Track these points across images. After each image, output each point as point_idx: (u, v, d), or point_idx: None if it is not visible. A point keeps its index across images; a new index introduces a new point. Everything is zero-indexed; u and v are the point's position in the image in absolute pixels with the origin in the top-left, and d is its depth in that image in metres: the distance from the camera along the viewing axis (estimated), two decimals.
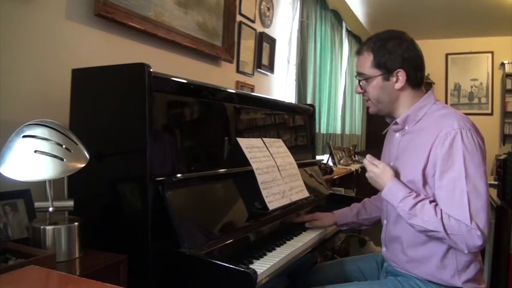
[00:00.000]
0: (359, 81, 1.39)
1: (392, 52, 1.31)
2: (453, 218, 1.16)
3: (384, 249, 1.46)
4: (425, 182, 1.25)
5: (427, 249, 1.28)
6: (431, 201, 1.21)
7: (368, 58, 1.34)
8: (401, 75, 1.31)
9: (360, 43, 5.64)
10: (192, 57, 2.22)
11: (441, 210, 1.18)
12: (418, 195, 1.23)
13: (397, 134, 1.41)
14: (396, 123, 1.38)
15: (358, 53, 1.39)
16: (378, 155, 1.40)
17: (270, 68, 3.18)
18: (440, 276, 1.27)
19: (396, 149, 1.39)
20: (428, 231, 1.19)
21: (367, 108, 1.43)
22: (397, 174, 1.31)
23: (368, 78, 1.35)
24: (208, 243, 1.19)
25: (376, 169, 1.31)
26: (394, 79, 1.32)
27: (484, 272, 1.37)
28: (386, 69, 1.32)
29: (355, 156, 4.86)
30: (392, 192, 1.26)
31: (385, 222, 1.43)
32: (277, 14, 3.28)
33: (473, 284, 1.27)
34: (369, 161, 1.33)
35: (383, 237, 1.46)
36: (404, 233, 1.32)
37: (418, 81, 1.35)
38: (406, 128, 1.36)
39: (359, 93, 1.41)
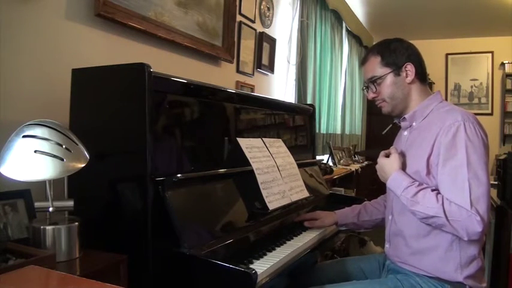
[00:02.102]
0: (369, 86, 1.44)
1: (397, 50, 1.40)
2: (454, 203, 1.19)
3: (387, 245, 1.47)
4: (428, 172, 1.28)
5: (431, 241, 1.29)
6: (433, 190, 1.24)
7: (376, 60, 1.41)
8: (410, 68, 1.38)
9: (360, 43, 5.65)
10: (192, 57, 2.22)
11: (442, 196, 1.21)
12: (420, 184, 1.27)
13: (405, 132, 1.45)
14: (404, 119, 1.43)
15: (364, 61, 1.47)
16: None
17: (270, 68, 3.18)
18: (443, 269, 1.28)
19: (404, 146, 1.42)
20: (429, 217, 1.21)
21: (380, 108, 1.46)
22: (403, 167, 1.35)
23: (380, 78, 1.40)
24: (208, 243, 1.19)
25: (384, 159, 1.36)
26: (404, 74, 1.39)
27: (485, 272, 1.37)
28: (396, 66, 1.39)
29: (355, 156, 4.87)
30: (396, 181, 1.30)
31: (390, 217, 1.45)
32: (277, 14, 3.28)
33: (474, 281, 1.28)
34: (385, 152, 1.38)
35: (387, 234, 1.47)
36: (409, 225, 1.34)
37: (424, 76, 1.43)
38: (414, 124, 1.42)
39: (372, 98, 1.45)
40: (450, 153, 1.23)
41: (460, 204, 1.18)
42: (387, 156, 1.37)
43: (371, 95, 1.44)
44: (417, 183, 1.26)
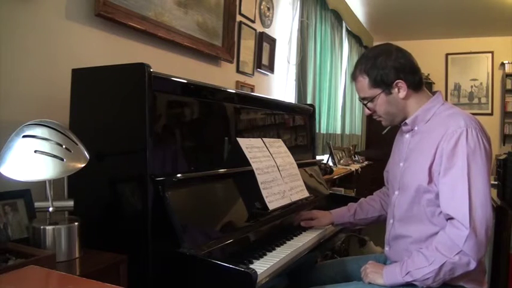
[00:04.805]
0: (365, 104, 1.41)
1: (384, 67, 1.32)
2: (439, 245, 1.19)
3: (386, 248, 1.46)
4: (430, 180, 1.26)
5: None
6: (418, 251, 1.24)
7: (364, 81, 1.36)
8: (402, 84, 1.33)
9: (360, 43, 5.65)
10: (192, 57, 2.22)
11: (425, 247, 1.22)
12: (403, 261, 1.26)
13: (407, 135, 1.42)
14: (406, 124, 1.40)
15: (353, 78, 1.41)
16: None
17: (270, 68, 3.18)
18: None
19: (406, 149, 1.40)
20: (440, 269, 1.18)
21: (380, 122, 1.44)
22: (406, 175, 1.35)
23: (372, 99, 1.37)
24: (208, 243, 1.19)
25: (370, 267, 1.34)
26: (396, 90, 1.34)
27: (485, 275, 1.36)
28: (385, 85, 1.34)
29: (355, 156, 4.86)
30: (390, 273, 1.28)
31: (391, 221, 1.44)
32: (277, 14, 3.28)
33: (475, 284, 1.27)
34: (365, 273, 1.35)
35: (387, 237, 1.46)
36: (409, 230, 1.33)
37: (418, 84, 1.36)
38: (416, 128, 1.38)
39: (369, 115, 1.43)
40: (451, 162, 1.21)
41: (455, 216, 1.18)
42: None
43: (367, 112, 1.43)
44: (400, 262, 1.26)
